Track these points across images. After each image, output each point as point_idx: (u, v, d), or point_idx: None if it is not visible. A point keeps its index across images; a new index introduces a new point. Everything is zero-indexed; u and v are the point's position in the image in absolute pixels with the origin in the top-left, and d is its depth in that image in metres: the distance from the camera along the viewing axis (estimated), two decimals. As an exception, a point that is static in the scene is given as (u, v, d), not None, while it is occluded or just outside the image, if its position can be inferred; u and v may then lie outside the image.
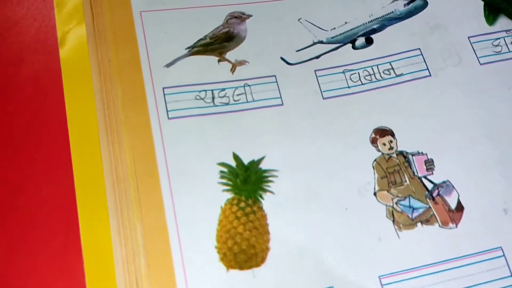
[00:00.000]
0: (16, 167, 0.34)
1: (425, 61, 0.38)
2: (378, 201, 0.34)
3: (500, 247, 0.33)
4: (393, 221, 0.33)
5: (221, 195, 0.33)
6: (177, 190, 0.32)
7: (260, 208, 0.33)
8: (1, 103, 0.36)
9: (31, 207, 0.33)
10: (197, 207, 0.32)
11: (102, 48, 0.36)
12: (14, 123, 0.36)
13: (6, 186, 0.34)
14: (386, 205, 0.34)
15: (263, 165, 0.34)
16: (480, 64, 0.38)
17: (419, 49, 0.38)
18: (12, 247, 0.32)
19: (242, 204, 0.33)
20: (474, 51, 0.38)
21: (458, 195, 0.34)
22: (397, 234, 0.33)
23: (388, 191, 0.34)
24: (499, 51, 0.39)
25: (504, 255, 0.33)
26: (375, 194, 0.34)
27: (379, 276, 0.32)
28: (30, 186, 0.34)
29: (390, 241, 0.33)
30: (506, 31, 0.39)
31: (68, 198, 0.33)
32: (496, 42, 0.39)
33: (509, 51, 0.39)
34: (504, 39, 0.39)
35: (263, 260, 0.31)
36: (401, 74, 0.37)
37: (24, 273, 0.32)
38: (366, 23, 0.39)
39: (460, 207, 0.34)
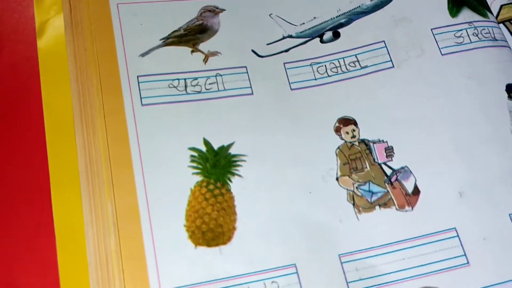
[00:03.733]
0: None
1: (389, 53, 0.39)
2: (340, 185, 0.35)
3: (455, 228, 0.34)
4: (353, 204, 0.35)
5: (191, 178, 0.34)
6: (148, 172, 0.33)
7: (228, 191, 0.34)
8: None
9: (6, 188, 0.34)
10: (167, 188, 0.33)
11: (79, 38, 0.37)
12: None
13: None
14: (347, 190, 0.35)
15: (232, 151, 0.35)
16: (442, 54, 0.39)
17: (384, 41, 0.39)
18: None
19: (211, 187, 0.34)
20: (436, 42, 0.39)
21: (415, 180, 0.35)
22: (357, 217, 0.34)
23: (349, 177, 0.35)
24: (461, 42, 0.39)
25: (458, 236, 0.34)
26: (337, 179, 0.35)
27: (339, 255, 0.33)
28: (5, 169, 0.35)
29: (350, 222, 0.34)
30: (469, 23, 0.40)
31: (42, 179, 0.34)
32: (458, 34, 0.40)
33: (471, 42, 0.39)
34: (466, 30, 0.40)
35: (229, 238, 0.33)
36: (366, 66, 0.38)
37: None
38: (334, 18, 0.40)
39: (416, 191, 0.35)
